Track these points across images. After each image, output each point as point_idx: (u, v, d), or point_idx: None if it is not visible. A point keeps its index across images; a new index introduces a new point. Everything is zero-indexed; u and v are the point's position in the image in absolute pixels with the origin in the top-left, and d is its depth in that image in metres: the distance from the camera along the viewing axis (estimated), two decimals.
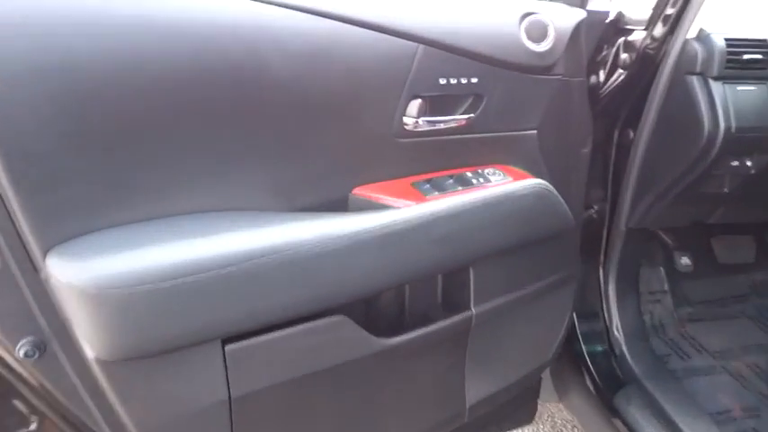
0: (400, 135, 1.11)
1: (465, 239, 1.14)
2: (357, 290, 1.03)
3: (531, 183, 1.20)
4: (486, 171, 1.23)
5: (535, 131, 1.26)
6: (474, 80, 1.14)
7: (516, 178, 1.22)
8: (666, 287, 1.92)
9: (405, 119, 1.10)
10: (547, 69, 1.22)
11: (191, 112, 0.90)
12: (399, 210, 1.06)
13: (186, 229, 0.91)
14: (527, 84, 1.20)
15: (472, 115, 1.17)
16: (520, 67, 1.18)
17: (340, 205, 1.10)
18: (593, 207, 1.62)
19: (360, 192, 1.11)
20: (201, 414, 0.96)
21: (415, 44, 1.06)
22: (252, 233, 0.93)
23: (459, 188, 1.16)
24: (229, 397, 0.97)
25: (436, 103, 1.14)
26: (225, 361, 0.94)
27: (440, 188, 1.15)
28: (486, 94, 1.17)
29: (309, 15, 0.97)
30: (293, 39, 0.95)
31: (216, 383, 0.95)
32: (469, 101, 1.17)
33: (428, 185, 1.15)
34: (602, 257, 1.66)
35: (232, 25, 0.91)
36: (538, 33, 1.19)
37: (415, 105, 1.10)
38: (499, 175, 1.22)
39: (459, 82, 1.12)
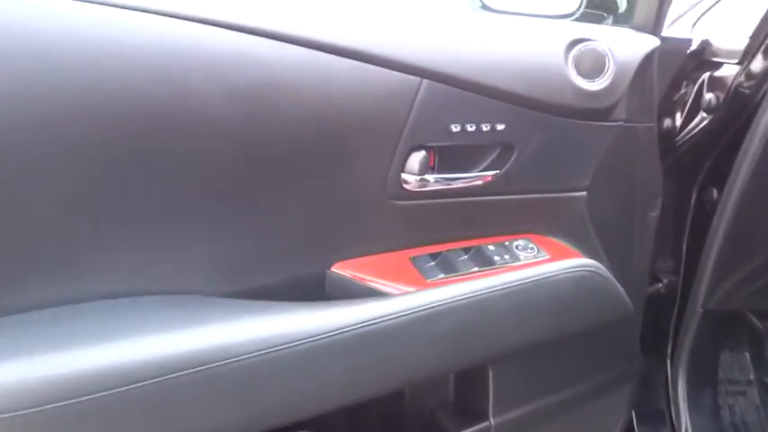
0: (397, 196, 0.84)
1: (480, 334, 0.85)
2: (325, 403, 0.76)
3: (575, 264, 0.90)
4: (516, 243, 0.94)
5: (584, 193, 0.96)
6: (500, 127, 0.86)
7: (555, 255, 0.93)
8: (752, 376, 1.55)
9: (404, 176, 0.83)
10: (603, 113, 0.92)
11: (98, 163, 0.67)
12: (388, 300, 0.78)
13: (81, 324, 0.67)
14: (574, 131, 0.91)
15: (498, 172, 0.89)
16: (565, 111, 0.89)
17: (314, 284, 0.84)
18: (660, 281, 1.29)
19: (340, 269, 0.84)
20: None
21: (417, 78, 0.79)
22: (173, 333, 0.68)
23: (475, 268, 0.88)
24: None
25: (449, 156, 0.87)
26: None
27: (448, 267, 0.87)
28: (518, 145, 0.88)
29: (267, 40, 0.72)
30: (242, 69, 0.70)
31: None
32: (496, 153, 0.89)
33: (432, 263, 0.88)
34: (669, 345, 1.32)
35: (150, 50, 0.67)
36: (592, 66, 0.90)
37: (417, 158, 0.83)
38: (532, 249, 0.93)
39: (479, 129, 0.84)
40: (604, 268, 0.94)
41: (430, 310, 0.78)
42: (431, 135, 0.82)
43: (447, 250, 0.90)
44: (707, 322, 1.32)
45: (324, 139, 0.77)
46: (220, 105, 0.69)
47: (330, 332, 0.72)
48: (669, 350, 1.31)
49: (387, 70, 0.77)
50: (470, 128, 0.84)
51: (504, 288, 0.84)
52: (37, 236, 0.66)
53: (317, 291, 0.84)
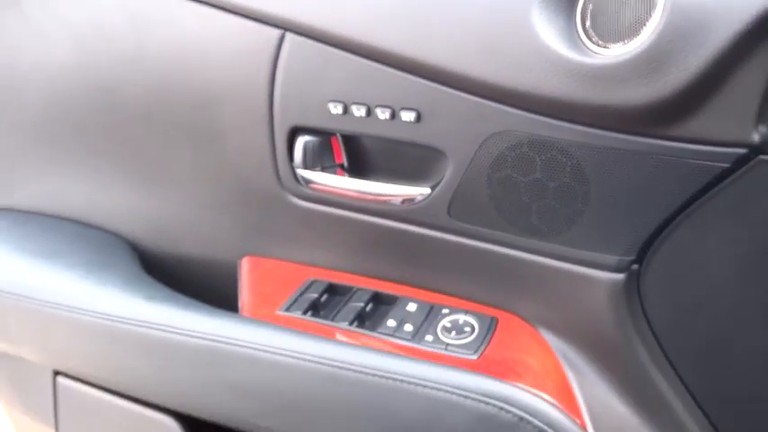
0: (297, 193, 0.62)
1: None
2: None
3: (490, 392, 0.48)
4: (463, 319, 0.56)
5: (621, 276, 0.49)
6: (410, 116, 0.51)
7: (501, 365, 0.52)
8: None
9: (303, 172, 0.60)
10: (663, 120, 0.43)
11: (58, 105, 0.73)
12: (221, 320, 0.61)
13: None
14: (592, 154, 0.46)
15: (426, 191, 0.54)
16: (563, 109, 0.46)
17: (230, 270, 0.72)
18: None
19: (248, 264, 0.69)
20: None
21: (277, 31, 0.55)
22: None
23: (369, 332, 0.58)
24: None
25: (368, 153, 0.58)
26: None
27: (324, 310, 0.60)
28: (454, 157, 0.51)
29: None
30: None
31: None
32: (431, 163, 0.54)
33: (325, 296, 0.62)
34: None
35: None
36: (611, 18, 0.42)
37: (300, 145, 0.59)
38: (466, 333, 0.55)
39: (370, 113, 0.53)
40: (571, 422, 0.47)
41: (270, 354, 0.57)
42: (307, 114, 0.56)
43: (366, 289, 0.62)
44: None
45: (194, 106, 0.63)
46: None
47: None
48: None
49: (242, 19, 0.56)
50: (357, 111, 0.53)
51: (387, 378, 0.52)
52: None
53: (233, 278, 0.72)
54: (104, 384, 0.68)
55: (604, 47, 0.43)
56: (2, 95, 0.71)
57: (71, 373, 0.71)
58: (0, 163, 0.76)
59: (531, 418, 0.47)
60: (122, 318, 0.62)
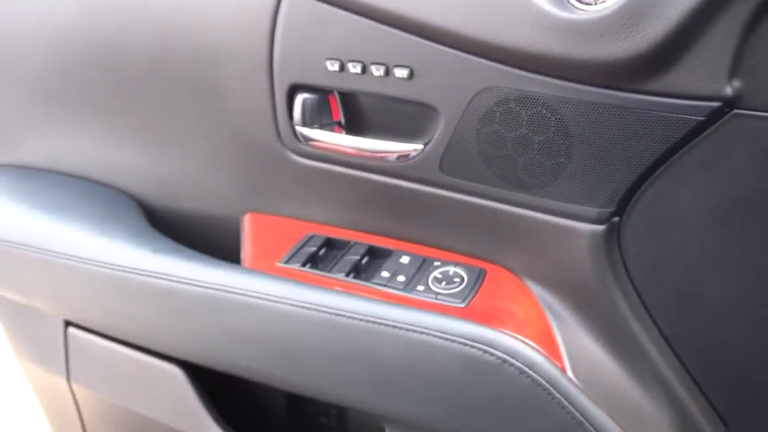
0: (297, 150, 0.64)
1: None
2: None
3: (475, 335, 0.51)
4: (453, 270, 0.59)
5: (602, 227, 0.51)
6: (403, 72, 0.53)
7: (488, 311, 0.55)
8: None
9: (302, 129, 0.63)
10: (637, 75, 0.45)
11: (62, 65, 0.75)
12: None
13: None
14: (572, 107, 0.48)
15: (420, 147, 0.57)
16: (540, 62, 0.48)
17: (233, 227, 0.75)
18: None
19: (250, 221, 0.72)
20: None
21: None
22: None
23: (364, 282, 0.61)
24: None
25: (365, 111, 0.60)
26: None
27: (325, 261, 0.63)
28: (445, 112, 0.53)
29: None
30: None
31: None
32: (422, 119, 0.57)
33: (323, 250, 0.65)
34: None
35: None
36: None
37: (299, 102, 0.61)
38: (455, 283, 0.57)
39: (365, 70, 0.55)
40: (550, 365, 0.50)
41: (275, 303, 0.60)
42: (305, 71, 0.58)
43: (364, 243, 0.64)
44: None
45: (196, 65, 0.65)
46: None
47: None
48: None
49: None
50: (353, 68, 0.55)
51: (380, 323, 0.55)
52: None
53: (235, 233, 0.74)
54: (113, 334, 0.72)
55: (587, 3, 0.45)
56: (7, 51, 0.73)
57: (81, 323, 0.74)
58: (5, 119, 0.79)
59: (512, 360, 0.50)
60: (130, 268, 0.65)
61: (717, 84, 0.43)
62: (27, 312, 0.79)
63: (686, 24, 0.41)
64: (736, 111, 0.44)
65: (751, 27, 0.41)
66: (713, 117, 0.44)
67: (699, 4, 0.40)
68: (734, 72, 0.42)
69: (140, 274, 0.64)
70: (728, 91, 0.43)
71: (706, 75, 0.42)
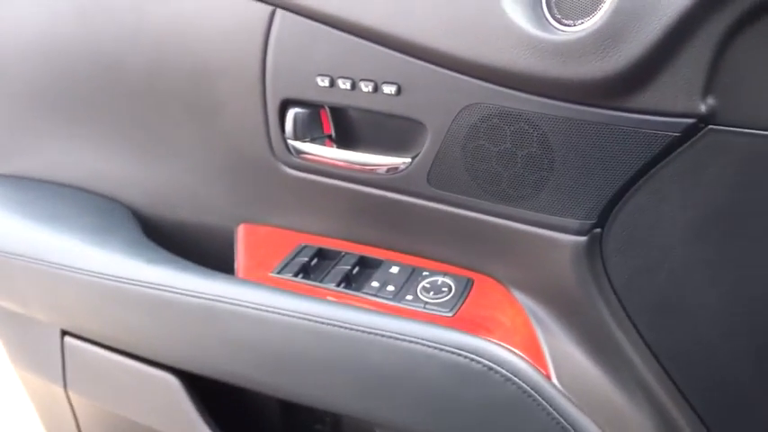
0: (288, 163, 0.66)
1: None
2: None
3: (459, 343, 0.53)
4: (441, 280, 0.61)
5: (583, 239, 0.53)
6: (391, 89, 0.55)
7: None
8: None
9: (294, 143, 0.64)
10: (616, 93, 0.47)
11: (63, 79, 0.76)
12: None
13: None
14: (555, 125, 0.50)
15: (408, 160, 0.58)
16: (522, 81, 0.49)
17: (227, 237, 0.76)
18: None
19: (244, 231, 0.73)
20: None
21: (268, 7, 0.58)
22: None
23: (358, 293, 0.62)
24: None
25: (355, 125, 0.62)
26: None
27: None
28: (432, 126, 0.55)
29: None
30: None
31: None
32: (410, 133, 0.58)
33: (315, 260, 0.66)
34: None
35: None
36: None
37: (291, 116, 0.63)
38: (443, 293, 0.59)
39: (354, 86, 0.57)
40: (535, 372, 0.51)
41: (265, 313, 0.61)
42: (296, 87, 0.60)
43: (354, 254, 0.66)
44: None
45: (191, 79, 0.66)
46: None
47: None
48: None
49: None
50: (343, 84, 0.57)
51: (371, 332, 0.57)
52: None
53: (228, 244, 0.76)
54: (110, 343, 0.73)
55: (567, 24, 0.47)
56: (3, 62, 0.75)
57: (78, 332, 0.76)
58: (1, 130, 0.80)
59: (498, 368, 0.51)
60: (125, 278, 0.66)
61: (691, 101, 0.44)
62: (24, 321, 0.80)
63: (661, 45, 0.43)
64: (711, 126, 0.45)
65: (723, 47, 0.43)
66: (689, 133, 0.46)
67: (673, 25, 0.42)
68: (708, 90, 0.44)
69: (135, 285, 0.66)
70: (703, 108, 0.44)
71: (681, 93, 0.44)
